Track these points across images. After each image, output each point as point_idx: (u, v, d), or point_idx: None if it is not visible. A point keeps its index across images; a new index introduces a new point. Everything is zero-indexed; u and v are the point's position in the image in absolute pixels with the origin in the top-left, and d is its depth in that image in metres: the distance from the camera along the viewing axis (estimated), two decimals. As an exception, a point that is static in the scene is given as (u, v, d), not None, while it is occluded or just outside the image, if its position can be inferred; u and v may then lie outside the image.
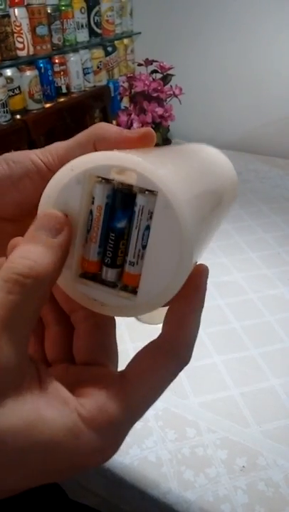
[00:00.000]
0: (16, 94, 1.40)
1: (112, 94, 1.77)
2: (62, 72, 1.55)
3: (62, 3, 1.50)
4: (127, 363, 0.21)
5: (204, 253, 0.23)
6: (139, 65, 1.42)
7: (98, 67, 1.71)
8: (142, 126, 1.30)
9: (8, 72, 1.37)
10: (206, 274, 0.21)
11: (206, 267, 0.21)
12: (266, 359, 0.73)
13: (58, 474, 0.18)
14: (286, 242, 1.06)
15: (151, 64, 1.39)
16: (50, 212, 0.20)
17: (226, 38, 1.66)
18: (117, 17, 1.75)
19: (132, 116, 1.32)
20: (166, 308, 0.21)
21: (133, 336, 0.76)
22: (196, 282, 0.21)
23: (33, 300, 0.18)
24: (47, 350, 0.25)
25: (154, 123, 1.32)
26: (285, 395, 0.67)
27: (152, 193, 0.19)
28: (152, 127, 1.32)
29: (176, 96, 1.36)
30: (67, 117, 1.47)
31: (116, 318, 0.23)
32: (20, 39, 1.37)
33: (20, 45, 1.38)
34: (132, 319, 0.79)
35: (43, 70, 1.48)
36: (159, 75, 1.38)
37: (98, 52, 1.70)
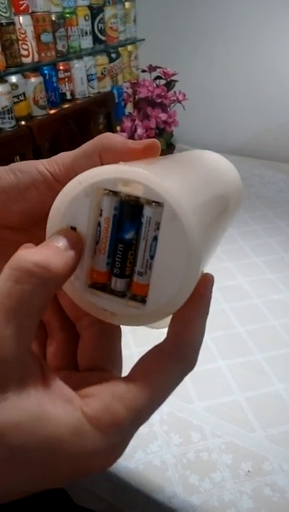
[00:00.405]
0: (21, 101, 1.42)
1: (116, 101, 1.78)
2: (66, 79, 1.57)
3: (67, 11, 1.51)
4: (131, 367, 0.21)
5: (211, 259, 0.24)
6: (143, 71, 1.43)
7: (102, 74, 1.73)
8: (146, 131, 1.31)
9: (13, 78, 1.38)
10: (211, 283, 0.22)
11: (212, 277, 0.22)
12: (271, 363, 0.73)
13: (60, 477, 0.18)
14: (290, 247, 1.06)
15: (155, 70, 1.40)
16: (66, 229, 0.21)
17: (229, 43, 1.67)
18: (120, 24, 1.76)
19: (136, 122, 1.33)
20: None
21: (138, 340, 0.76)
22: (202, 290, 0.21)
23: (43, 293, 0.17)
24: (49, 358, 0.25)
25: (158, 128, 1.33)
26: (290, 400, 0.67)
27: (159, 204, 0.19)
28: (156, 133, 1.33)
29: (179, 102, 1.37)
30: (71, 123, 1.48)
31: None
32: (25, 46, 1.39)
33: (25, 52, 1.40)
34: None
35: (47, 77, 1.50)
36: (162, 81, 1.38)
37: (102, 59, 1.72)
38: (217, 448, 0.60)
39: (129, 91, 1.41)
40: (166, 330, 0.21)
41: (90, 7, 1.60)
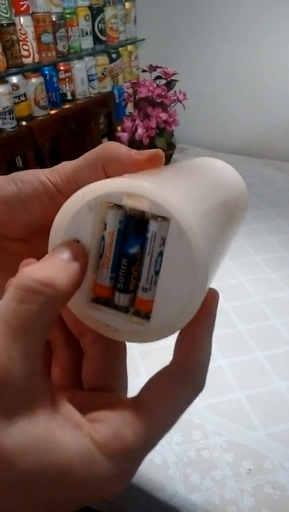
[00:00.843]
0: (22, 101, 1.42)
1: (117, 101, 1.78)
2: (67, 79, 1.57)
3: (67, 11, 1.52)
4: (135, 380, 0.20)
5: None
6: (144, 71, 1.44)
7: (103, 74, 1.73)
8: (147, 131, 1.31)
9: (14, 79, 1.38)
10: (217, 299, 0.21)
11: (217, 293, 0.21)
12: (272, 362, 0.73)
13: (69, 503, 0.17)
14: (291, 246, 1.06)
15: (155, 70, 1.41)
16: (70, 241, 0.20)
17: (230, 43, 1.67)
18: (121, 24, 1.76)
19: (137, 121, 1.33)
20: None
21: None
22: (208, 308, 0.20)
23: (49, 312, 0.17)
24: (54, 377, 0.24)
25: (158, 128, 1.33)
26: (291, 398, 0.67)
27: (165, 218, 0.19)
28: (156, 132, 1.33)
29: (180, 101, 1.37)
30: (72, 123, 1.48)
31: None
32: (25, 47, 1.39)
33: (25, 53, 1.40)
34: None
35: (48, 77, 1.50)
36: (163, 81, 1.39)
37: (103, 59, 1.72)
38: (218, 446, 0.60)
39: (130, 91, 1.41)
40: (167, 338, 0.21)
41: (90, 7, 1.60)
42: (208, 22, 1.68)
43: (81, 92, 1.64)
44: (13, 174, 0.24)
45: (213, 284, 0.21)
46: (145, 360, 0.71)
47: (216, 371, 0.72)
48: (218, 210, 0.24)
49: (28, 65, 1.42)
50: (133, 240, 0.20)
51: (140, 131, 1.31)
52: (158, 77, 1.40)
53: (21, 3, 1.34)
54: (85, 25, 1.60)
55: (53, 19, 1.46)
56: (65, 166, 0.24)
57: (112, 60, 1.77)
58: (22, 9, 1.35)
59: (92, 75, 1.68)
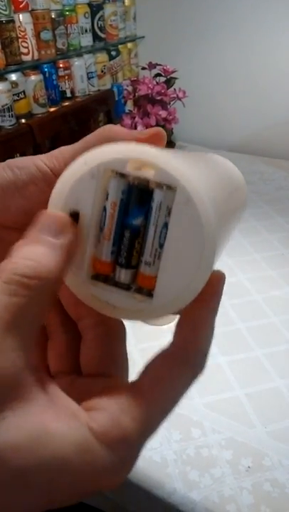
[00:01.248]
0: (21, 99, 1.41)
1: (116, 98, 1.78)
2: (66, 77, 1.56)
3: (66, 8, 1.51)
4: (131, 365, 0.20)
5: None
6: (143, 68, 1.43)
7: (102, 71, 1.73)
8: (146, 129, 1.31)
9: (13, 76, 1.38)
10: (224, 280, 0.20)
11: (224, 274, 0.20)
12: (271, 360, 0.73)
13: (68, 496, 0.16)
14: (291, 244, 1.06)
15: (155, 67, 1.40)
16: (51, 213, 0.19)
17: (230, 40, 1.67)
18: (120, 21, 1.76)
19: (136, 119, 1.32)
20: None
21: (139, 337, 0.76)
22: (214, 287, 0.19)
23: (39, 303, 0.17)
24: (50, 362, 0.23)
25: (158, 126, 1.33)
26: (290, 396, 0.67)
27: (171, 188, 0.18)
28: (156, 130, 1.32)
29: (179, 99, 1.37)
30: (71, 121, 1.48)
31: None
32: (24, 44, 1.39)
33: (24, 50, 1.39)
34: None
35: (47, 75, 1.50)
36: (162, 79, 1.38)
37: (102, 57, 1.71)
38: (217, 444, 0.61)
39: (129, 88, 1.41)
40: (165, 327, 0.21)
41: (89, 4, 1.59)
42: (208, 19, 1.68)
43: (80, 89, 1.64)
44: (9, 161, 0.23)
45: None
46: (144, 358, 0.71)
47: (215, 369, 0.72)
48: (225, 191, 0.23)
49: (28, 63, 1.42)
50: (136, 211, 0.19)
51: (140, 128, 1.31)
52: (157, 75, 1.39)
53: (20, 0, 1.34)
54: (85, 22, 1.59)
55: (53, 16, 1.46)
56: (63, 151, 0.23)
57: (111, 58, 1.76)
58: (21, 6, 1.35)
59: (92, 72, 1.67)
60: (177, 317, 0.20)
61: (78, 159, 0.19)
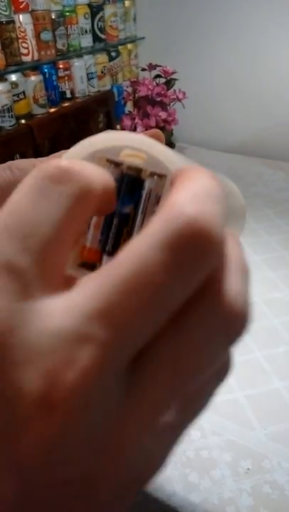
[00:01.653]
0: (21, 99, 1.41)
1: (116, 99, 1.78)
2: (66, 77, 1.56)
3: (67, 9, 1.51)
4: None
5: None
6: (143, 69, 1.44)
7: (102, 72, 1.73)
8: (146, 130, 1.31)
9: (13, 77, 1.38)
10: None
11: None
12: (271, 361, 0.73)
13: None
14: (290, 245, 1.06)
15: (155, 69, 1.41)
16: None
17: (230, 42, 1.67)
18: (120, 22, 1.76)
19: (136, 120, 1.33)
20: None
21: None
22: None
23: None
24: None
25: (158, 127, 1.33)
26: (290, 398, 0.67)
27: (161, 177, 0.18)
28: (156, 131, 1.33)
29: (179, 100, 1.37)
30: (71, 122, 1.48)
31: None
32: (24, 44, 1.39)
33: (24, 51, 1.39)
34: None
35: (47, 75, 1.50)
36: (162, 80, 1.39)
37: (102, 58, 1.71)
38: (217, 446, 0.61)
39: (129, 89, 1.41)
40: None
41: (89, 5, 1.59)
42: (208, 21, 1.68)
43: (80, 90, 1.64)
44: (10, 162, 0.23)
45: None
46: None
47: (214, 371, 0.72)
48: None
49: (27, 63, 1.42)
50: (127, 200, 0.19)
51: (139, 129, 1.31)
52: (157, 76, 1.39)
53: (20, 0, 1.34)
54: (85, 23, 1.59)
55: (53, 17, 1.46)
56: (62, 155, 0.23)
57: (111, 59, 1.76)
58: (21, 7, 1.35)
59: (92, 73, 1.67)
60: None
61: (74, 147, 0.19)
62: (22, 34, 1.37)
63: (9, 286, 0.12)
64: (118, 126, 1.53)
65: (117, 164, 0.19)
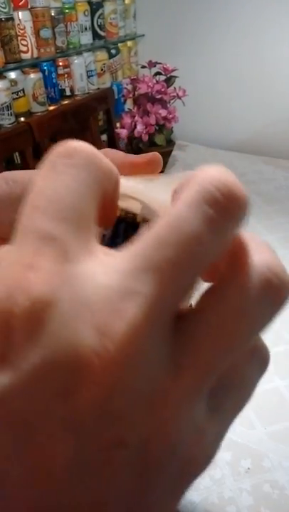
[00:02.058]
0: (20, 97, 1.41)
1: (116, 97, 1.77)
2: (66, 75, 1.56)
3: (66, 6, 1.50)
4: None
5: None
6: (143, 67, 1.43)
7: (102, 70, 1.72)
8: (146, 128, 1.30)
9: (12, 74, 1.37)
10: None
11: None
12: (271, 360, 0.73)
13: None
14: (290, 244, 1.06)
15: (155, 66, 1.40)
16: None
17: (230, 39, 1.66)
18: (120, 19, 1.75)
19: (136, 118, 1.32)
20: None
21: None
22: None
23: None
24: None
25: (158, 125, 1.33)
26: (290, 397, 0.67)
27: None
28: (156, 129, 1.32)
29: (179, 98, 1.37)
30: (71, 120, 1.47)
31: None
32: (24, 42, 1.38)
33: (24, 48, 1.39)
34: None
35: (46, 73, 1.49)
36: (162, 77, 1.38)
37: (102, 55, 1.71)
38: (217, 445, 0.60)
39: (129, 87, 1.41)
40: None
41: (89, 2, 1.59)
42: (208, 18, 1.67)
43: (80, 87, 1.64)
44: (5, 173, 0.23)
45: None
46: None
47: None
48: None
49: (27, 61, 1.41)
50: (122, 243, 0.19)
51: (139, 127, 1.30)
52: (157, 73, 1.39)
53: (20, -3, 1.33)
54: (84, 20, 1.59)
55: (52, 14, 1.45)
56: None
57: (111, 56, 1.76)
58: (21, 4, 1.34)
59: (91, 70, 1.67)
60: None
61: None
62: (21, 31, 1.36)
63: (53, 252, 0.13)
64: (118, 124, 1.53)
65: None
